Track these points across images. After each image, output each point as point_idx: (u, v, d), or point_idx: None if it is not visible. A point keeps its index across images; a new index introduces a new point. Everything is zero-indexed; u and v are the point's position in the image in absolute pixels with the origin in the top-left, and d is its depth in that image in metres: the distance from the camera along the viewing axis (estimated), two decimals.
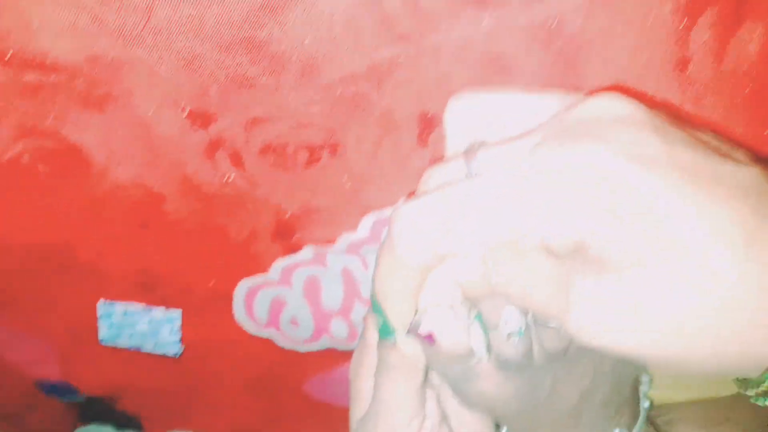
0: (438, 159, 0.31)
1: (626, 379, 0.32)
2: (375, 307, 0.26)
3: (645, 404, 0.33)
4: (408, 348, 0.27)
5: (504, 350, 0.25)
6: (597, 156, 0.18)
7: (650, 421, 0.34)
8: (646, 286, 0.18)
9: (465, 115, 0.23)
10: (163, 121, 0.29)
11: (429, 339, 0.26)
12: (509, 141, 0.21)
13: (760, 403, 0.19)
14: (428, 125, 0.29)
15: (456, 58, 0.26)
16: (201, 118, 0.29)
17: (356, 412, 0.30)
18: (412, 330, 0.25)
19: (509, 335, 0.25)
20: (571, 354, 0.27)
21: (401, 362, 0.27)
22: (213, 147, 0.31)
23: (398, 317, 0.24)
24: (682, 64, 0.26)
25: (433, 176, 0.22)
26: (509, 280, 0.21)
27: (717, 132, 0.28)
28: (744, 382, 0.19)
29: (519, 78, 0.27)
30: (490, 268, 0.21)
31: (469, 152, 0.21)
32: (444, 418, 0.30)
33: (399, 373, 0.27)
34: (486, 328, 0.26)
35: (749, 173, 0.18)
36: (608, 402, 0.31)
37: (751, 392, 0.19)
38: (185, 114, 0.29)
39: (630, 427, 0.32)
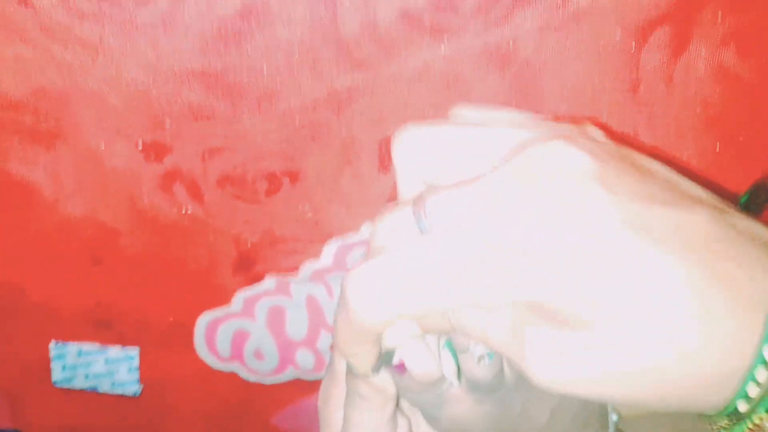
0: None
1: None
2: None
3: (613, 417, 0.34)
4: (378, 379, 0.26)
5: (475, 373, 0.25)
6: (546, 214, 0.19)
7: None
8: (601, 339, 0.18)
9: (412, 150, 0.23)
10: (116, 153, 0.29)
11: (400, 368, 0.26)
12: (458, 188, 0.21)
13: None
14: (389, 151, 0.29)
15: (415, 84, 0.26)
16: (155, 150, 0.28)
17: None
18: (383, 364, 0.25)
19: (480, 358, 0.25)
20: None
21: (371, 393, 0.27)
22: (169, 179, 0.30)
23: (363, 366, 0.24)
24: (634, 86, 0.26)
25: (382, 229, 0.22)
26: (467, 325, 0.22)
27: (668, 153, 0.29)
28: (705, 417, 0.20)
29: (477, 102, 0.27)
30: (448, 314, 0.22)
31: (417, 202, 0.22)
32: None
33: (369, 404, 0.27)
34: (456, 354, 0.25)
35: (699, 220, 0.19)
36: (577, 417, 0.31)
37: (711, 426, 0.20)
38: (139, 146, 0.28)
39: None
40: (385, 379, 0.27)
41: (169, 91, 0.25)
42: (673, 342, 0.18)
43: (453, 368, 0.25)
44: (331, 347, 0.32)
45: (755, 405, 0.18)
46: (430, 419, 0.29)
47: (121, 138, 0.27)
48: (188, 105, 0.25)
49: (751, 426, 0.18)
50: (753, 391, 0.18)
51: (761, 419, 0.18)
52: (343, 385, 0.29)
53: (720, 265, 0.18)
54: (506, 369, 0.27)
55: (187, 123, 0.26)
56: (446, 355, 0.25)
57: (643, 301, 0.18)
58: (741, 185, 0.23)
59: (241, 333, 0.38)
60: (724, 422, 0.19)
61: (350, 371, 0.27)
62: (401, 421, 0.30)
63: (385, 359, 0.25)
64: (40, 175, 0.29)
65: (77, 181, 0.30)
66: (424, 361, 0.25)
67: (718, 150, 0.28)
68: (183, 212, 0.31)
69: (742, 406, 0.18)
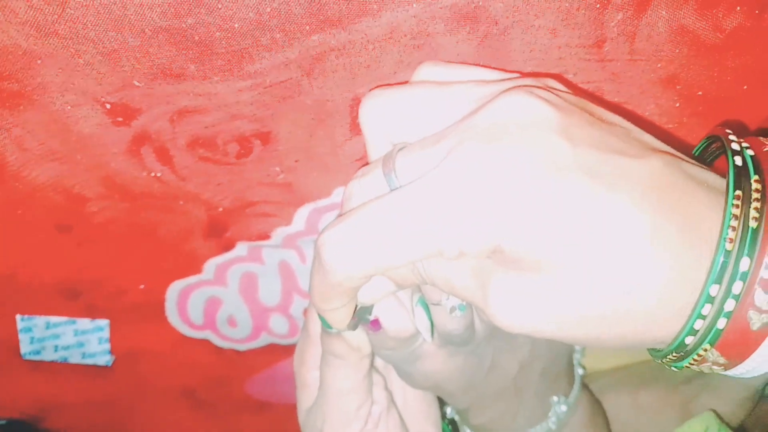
0: None
1: (561, 348, 0.33)
2: None
3: (579, 371, 0.35)
4: (353, 337, 0.27)
5: (447, 325, 0.26)
6: (508, 164, 0.19)
7: (584, 387, 0.36)
8: (560, 280, 0.19)
9: (379, 114, 0.24)
10: (82, 117, 0.28)
11: (375, 325, 0.26)
12: (424, 144, 0.22)
13: (673, 367, 0.21)
14: None
15: (385, 43, 0.26)
16: (124, 113, 0.28)
17: (304, 402, 0.30)
18: (359, 320, 0.25)
19: (452, 309, 0.25)
20: None
21: (346, 351, 0.27)
22: (138, 142, 0.29)
23: (339, 322, 0.25)
24: (599, 43, 0.27)
25: (355, 193, 0.23)
26: (434, 275, 0.22)
27: (631, 109, 0.30)
28: (655, 351, 0.21)
29: (448, 59, 0.28)
30: (416, 266, 0.22)
31: (386, 162, 0.22)
32: (391, 402, 0.30)
33: (345, 362, 0.28)
34: (429, 310, 0.26)
35: (653, 166, 0.20)
36: (546, 371, 0.32)
37: (662, 360, 0.21)
38: (106, 109, 0.28)
39: (567, 393, 0.34)
40: (360, 337, 0.27)
41: (137, 50, 0.24)
42: (626, 279, 0.19)
43: (426, 324, 0.26)
44: (306, 311, 0.32)
45: (701, 339, 0.19)
46: (404, 375, 0.30)
47: (87, 99, 0.27)
48: (157, 64, 0.25)
49: (696, 358, 0.20)
50: (698, 325, 0.19)
51: (705, 350, 0.19)
52: (318, 346, 0.29)
53: (670, 207, 0.19)
54: (477, 322, 0.28)
55: (155, 83, 0.26)
56: (419, 311, 0.26)
57: (598, 241, 0.19)
58: (699, 139, 0.24)
59: (214, 300, 0.38)
60: (672, 355, 0.20)
61: (325, 330, 0.27)
62: (376, 378, 0.30)
63: (360, 315, 0.25)
64: (4, 140, 0.29)
65: (42, 146, 0.29)
66: (399, 317, 0.26)
67: (678, 106, 0.29)
68: (152, 176, 0.31)
69: (689, 340, 0.19)
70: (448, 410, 0.38)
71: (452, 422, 0.35)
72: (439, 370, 0.28)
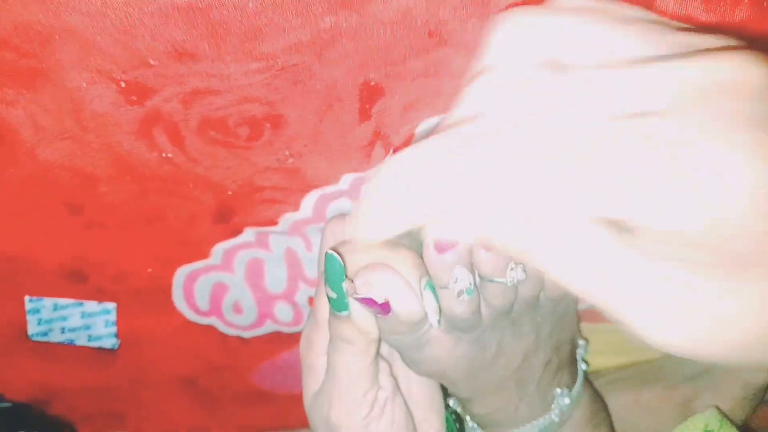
0: (379, 132, 0.31)
1: (565, 341, 0.33)
2: (331, 281, 0.26)
3: (583, 366, 0.35)
4: (362, 321, 0.27)
5: (455, 309, 0.26)
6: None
7: (588, 382, 0.36)
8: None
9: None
10: (97, 95, 0.28)
11: (385, 309, 0.26)
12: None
13: None
14: (371, 96, 0.30)
15: (397, 27, 0.26)
16: (138, 92, 0.28)
17: (310, 387, 0.30)
18: (369, 296, 0.25)
19: (459, 293, 0.25)
20: (516, 312, 0.28)
21: (355, 336, 0.27)
22: (150, 122, 0.30)
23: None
24: None
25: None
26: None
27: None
28: None
29: (458, 47, 0.28)
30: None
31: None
32: (396, 388, 0.30)
33: (353, 347, 0.28)
34: (436, 293, 0.26)
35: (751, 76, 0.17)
36: (549, 363, 0.32)
37: None
38: (121, 87, 0.28)
39: (570, 387, 0.34)
40: (368, 321, 0.27)
41: (153, 28, 0.25)
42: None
43: (434, 307, 0.26)
44: (313, 298, 0.32)
45: None
46: (410, 362, 0.30)
47: (103, 77, 0.27)
48: (172, 43, 0.25)
49: None
50: None
51: None
52: (325, 332, 0.30)
53: None
54: (483, 307, 0.28)
55: (170, 62, 0.26)
56: (428, 294, 0.26)
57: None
58: None
59: (220, 286, 0.38)
60: None
61: (334, 314, 0.27)
62: (382, 365, 0.30)
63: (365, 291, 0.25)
64: (20, 117, 0.29)
65: (57, 124, 0.30)
66: (408, 300, 0.26)
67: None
68: (163, 157, 0.31)
69: None
70: (451, 401, 0.38)
71: (455, 413, 0.35)
72: (445, 357, 0.28)
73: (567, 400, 0.33)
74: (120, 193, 0.33)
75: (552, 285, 0.28)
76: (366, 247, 0.28)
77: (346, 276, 0.26)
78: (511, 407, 0.31)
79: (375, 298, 0.26)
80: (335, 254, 0.27)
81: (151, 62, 0.27)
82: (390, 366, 0.31)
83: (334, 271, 0.26)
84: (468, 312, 0.26)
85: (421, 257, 0.28)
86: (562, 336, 0.33)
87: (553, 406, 0.33)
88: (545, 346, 0.31)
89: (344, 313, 0.27)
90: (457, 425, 0.34)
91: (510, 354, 0.30)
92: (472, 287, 0.26)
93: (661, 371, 0.41)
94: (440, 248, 0.25)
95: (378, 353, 0.30)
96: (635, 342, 0.34)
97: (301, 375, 0.31)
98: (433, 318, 0.26)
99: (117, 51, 0.26)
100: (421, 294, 0.26)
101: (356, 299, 0.26)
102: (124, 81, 0.28)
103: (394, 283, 0.26)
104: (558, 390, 0.33)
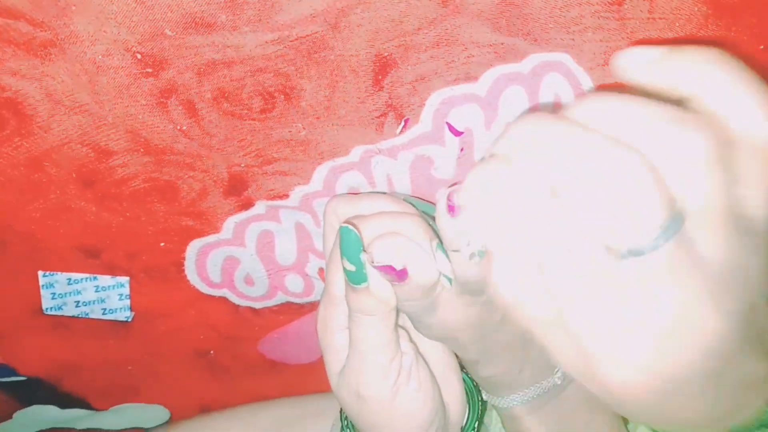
0: (391, 103, 0.31)
1: None
2: (348, 253, 0.26)
3: None
4: (381, 290, 0.27)
5: (467, 271, 0.26)
6: None
7: None
8: None
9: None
10: (113, 67, 0.28)
11: (402, 275, 0.26)
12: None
13: None
14: (383, 67, 0.29)
15: None
16: (153, 64, 0.28)
17: (333, 366, 0.30)
18: (386, 263, 0.25)
19: (471, 255, 0.26)
20: None
21: (375, 306, 0.28)
22: (165, 95, 0.29)
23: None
24: (619, 1, 0.27)
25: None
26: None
27: None
28: None
29: (471, 16, 0.28)
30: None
31: None
32: (417, 352, 0.31)
33: (373, 318, 0.28)
34: (448, 256, 0.26)
35: None
36: None
37: None
38: (137, 59, 0.28)
39: None
40: (386, 289, 0.28)
41: None
42: None
43: (448, 268, 0.26)
44: (324, 272, 0.32)
45: None
46: (423, 327, 0.30)
47: (119, 48, 0.27)
48: (189, 12, 0.25)
49: None
50: None
51: None
52: (341, 308, 0.30)
53: None
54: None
55: (186, 32, 0.26)
56: (440, 256, 0.26)
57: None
58: None
59: (232, 260, 0.38)
60: None
61: (352, 287, 0.27)
62: (401, 332, 0.31)
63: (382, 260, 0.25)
64: (35, 90, 0.29)
65: (72, 97, 0.29)
66: (424, 264, 0.26)
67: None
68: (178, 129, 0.31)
69: None
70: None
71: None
72: (456, 320, 0.29)
73: None
74: (134, 167, 0.33)
75: None
76: (373, 217, 0.28)
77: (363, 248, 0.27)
78: (517, 368, 0.32)
79: (394, 265, 0.26)
80: (350, 227, 0.27)
81: (168, 33, 0.26)
82: (408, 333, 0.31)
83: (350, 244, 0.26)
84: (479, 275, 0.27)
85: (427, 222, 0.28)
86: None
87: (556, 369, 0.33)
88: None
89: (363, 285, 0.27)
90: (474, 383, 0.35)
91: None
92: (484, 249, 0.26)
93: None
94: (453, 212, 0.25)
95: (397, 322, 0.30)
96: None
97: (323, 356, 0.31)
98: (445, 280, 0.27)
99: (133, 21, 0.26)
100: (434, 256, 0.26)
101: (375, 268, 0.26)
102: (140, 53, 0.27)
103: (409, 248, 0.26)
104: None
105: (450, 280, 0.27)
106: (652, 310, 0.17)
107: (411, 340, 0.31)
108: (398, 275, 0.26)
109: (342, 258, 0.27)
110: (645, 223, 0.17)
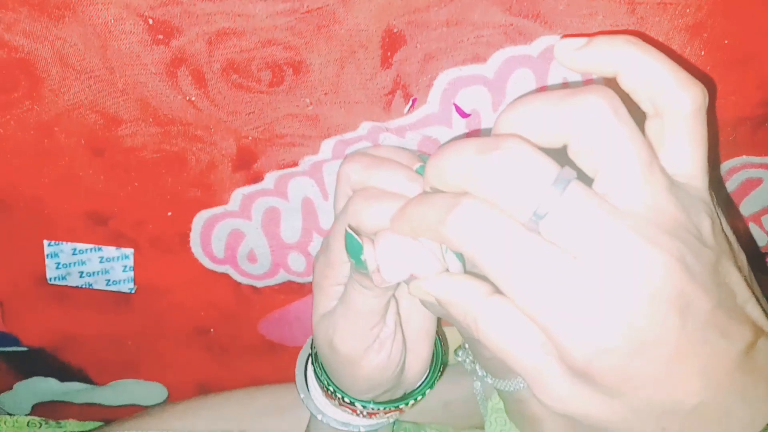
0: (399, 81, 0.31)
1: None
2: (352, 255, 0.26)
3: None
4: (382, 280, 0.27)
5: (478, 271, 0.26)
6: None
7: None
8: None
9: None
10: (124, 32, 0.28)
11: (410, 279, 0.26)
12: None
13: None
14: (392, 44, 0.29)
15: None
16: (164, 30, 0.28)
17: (320, 307, 0.31)
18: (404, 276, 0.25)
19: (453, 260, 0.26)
20: None
21: (374, 286, 0.28)
22: (176, 63, 0.29)
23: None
24: None
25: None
26: None
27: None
28: None
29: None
30: None
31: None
32: (398, 326, 0.31)
33: (373, 292, 0.28)
34: (460, 255, 0.26)
35: (740, 348, 0.21)
36: None
37: None
38: (149, 25, 0.28)
39: None
40: (388, 278, 0.27)
41: None
42: None
43: (459, 267, 0.26)
44: (327, 238, 0.32)
45: None
46: (431, 307, 0.30)
47: (131, 13, 0.27)
48: None
49: None
50: None
51: None
52: (339, 269, 0.29)
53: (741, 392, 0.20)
54: None
55: (197, 0, 0.26)
56: (451, 257, 0.26)
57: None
58: (722, 90, 0.24)
59: (237, 233, 0.38)
60: None
61: (357, 270, 0.27)
62: (392, 303, 0.30)
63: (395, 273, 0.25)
64: (47, 52, 0.29)
65: (83, 62, 0.29)
66: (434, 268, 0.26)
67: (702, 54, 0.29)
68: (187, 100, 0.31)
69: None
70: (461, 353, 0.39)
71: (444, 342, 0.36)
72: None
73: None
74: (142, 136, 0.33)
75: None
76: (383, 195, 0.28)
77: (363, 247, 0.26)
78: None
79: (400, 279, 0.26)
80: (353, 233, 0.27)
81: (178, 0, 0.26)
82: (398, 304, 0.31)
83: (353, 248, 0.26)
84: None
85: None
86: None
87: None
88: None
89: (364, 271, 0.27)
90: (443, 344, 0.35)
91: None
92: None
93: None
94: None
95: (392, 295, 0.30)
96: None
97: (313, 292, 0.32)
98: (458, 269, 0.26)
99: None
100: (444, 257, 0.26)
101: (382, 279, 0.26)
102: (152, 18, 0.27)
103: (417, 255, 0.25)
104: None
105: (464, 265, 0.27)
106: (579, 268, 0.19)
107: (397, 312, 0.31)
108: (407, 280, 0.26)
109: (347, 255, 0.27)
110: (532, 186, 0.19)
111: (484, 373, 0.34)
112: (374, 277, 0.26)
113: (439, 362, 0.35)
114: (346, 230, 0.27)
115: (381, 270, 0.26)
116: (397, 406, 0.33)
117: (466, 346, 0.40)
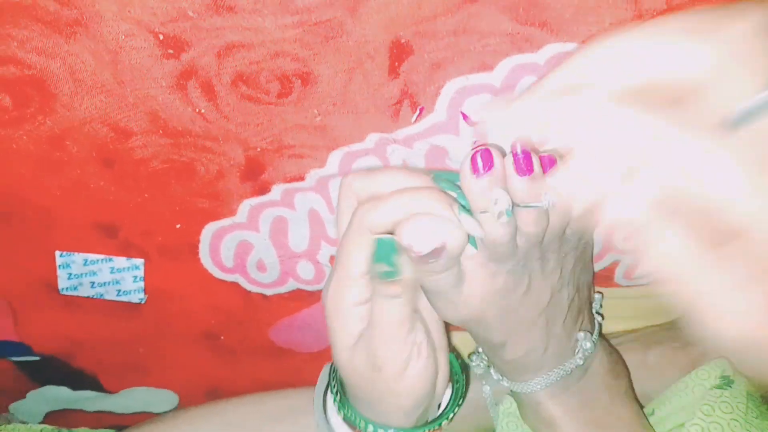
0: (407, 91, 0.31)
1: (584, 284, 0.34)
2: (385, 259, 0.27)
3: (599, 319, 0.36)
4: (411, 277, 0.28)
5: (495, 233, 0.27)
6: None
7: (603, 336, 0.37)
8: None
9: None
10: (135, 48, 0.28)
11: (437, 253, 0.27)
12: None
13: None
14: (400, 54, 0.30)
15: None
16: (174, 45, 0.28)
17: (345, 341, 0.30)
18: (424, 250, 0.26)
19: (500, 214, 0.26)
20: (545, 245, 0.29)
21: (403, 291, 0.28)
22: (185, 76, 0.30)
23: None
24: None
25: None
26: None
27: None
28: None
29: (487, 4, 0.28)
30: None
31: None
32: (428, 329, 0.31)
33: (400, 300, 0.28)
34: (474, 216, 0.27)
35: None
36: (572, 302, 0.33)
37: None
38: (159, 40, 0.28)
39: (591, 331, 0.34)
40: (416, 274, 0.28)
41: None
42: None
43: (475, 224, 0.26)
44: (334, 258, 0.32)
45: None
46: (448, 307, 0.30)
47: (141, 29, 0.27)
48: None
49: None
50: None
51: None
52: (357, 284, 0.29)
53: None
54: (518, 238, 0.28)
55: (208, 14, 0.26)
56: (465, 218, 0.26)
57: None
58: None
59: (245, 244, 0.38)
60: None
61: (382, 281, 0.27)
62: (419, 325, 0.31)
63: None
64: (59, 68, 0.29)
65: (94, 76, 0.30)
66: (456, 233, 0.26)
67: None
68: (196, 112, 0.31)
69: None
70: (474, 358, 0.39)
71: (458, 354, 0.36)
72: (482, 293, 0.29)
73: (589, 344, 0.34)
74: (152, 148, 0.33)
75: (578, 217, 0.29)
76: (390, 199, 0.28)
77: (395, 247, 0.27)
78: (542, 347, 0.32)
79: (431, 248, 0.26)
80: (385, 237, 0.27)
81: (190, 14, 0.27)
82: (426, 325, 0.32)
83: (386, 250, 0.27)
84: (507, 235, 0.27)
85: (441, 190, 0.29)
86: (581, 278, 0.34)
87: (577, 349, 0.33)
88: (568, 283, 0.32)
89: (395, 278, 0.27)
90: (462, 366, 0.35)
91: (539, 290, 0.31)
92: (511, 208, 0.26)
93: (668, 333, 0.41)
94: (477, 172, 0.26)
95: (419, 299, 0.30)
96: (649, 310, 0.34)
97: (330, 330, 0.31)
98: (477, 232, 0.27)
99: (156, 2, 0.26)
100: (460, 220, 0.27)
101: (413, 257, 0.26)
102: (163, 33, 0.28)
103: (438, 225, 0.26)
104: (581, 334, 0.34)
105: (475, 245, 0.27)
106: None
107: (422, 317, 0.31)
108: (432, 253, 0.26)
109: (375, 263, 0.27)
110: None
111: (500, 377, 0.35)
112: (410, 252, 0.26)
113: (461, 380, 0.34)
114: (378, 239, 0.27)
115: (414, 246, 0.26)
116: (439, 424, 0.32)
117: (480, 350, 0.40)
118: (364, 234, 0.28)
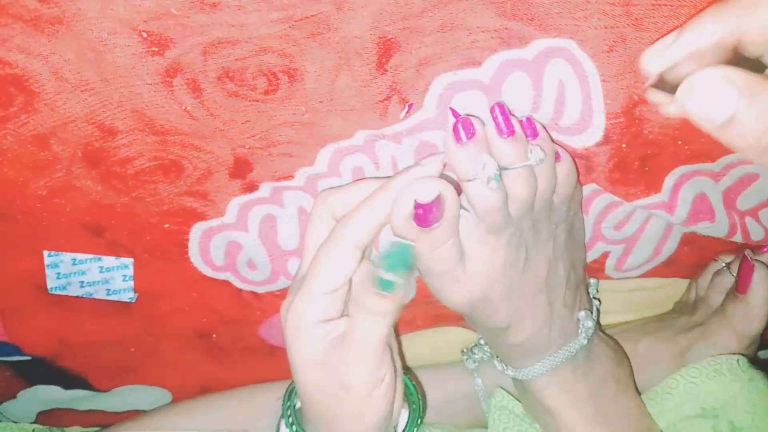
0: (395, 87, 0.31)
1: (578, 261, 0.35)
2: (401, 266, 0.26)
3: (596, 303, 0.36)
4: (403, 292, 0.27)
5: (486, 198, 0.27)
6: None
7: (599, 326, 0.37)
8: None
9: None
10: (118, 46, 0.28)
11: (438, 207, 0.26)
12: None
13: None
14: (387, 50, 0.29)
15: None
16: (159, 43, 0.28)
17: (309, 356, 0.29)
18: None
19: (489, 179, 0.26)
20: (536, 213, 0.29)
21: (393, 310, 0.28)
22: (170, 74, 0.29)
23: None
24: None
25: None
26: None
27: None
28: None
29: (475, 0, 0.28)
30: None
31: None
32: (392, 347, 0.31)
33: (386, 319, 0.28)
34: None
35: None
36: (569, 278, 0.33)
37: None
38: (143, 38, 0.28)
39: (590, 309, 0.35)
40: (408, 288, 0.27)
41: None
42: None
43: (488, 160, 0.27)
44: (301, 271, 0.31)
45: None
46: (454, 286, 0.30)
47: (124, 27, 0.27)
48: None
49: None
50: None
51: None
52: (327, 299, 0.29)
53: None
54: (510, 205, 0.28)
55: (192, 11, 0.26)
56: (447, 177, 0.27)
57: None
58: None
59: (235, 244, 0.38)
60: None
61: (380, 293, 0.27)
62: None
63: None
64: (42, 67, 0.29)
65: (78, 75, 0.29)
66: (449, 187, 0.27)
67: None
68: (183, 110, 0.31)
69: None
70: (476, 350, 0.39)
71: (413, 380, 0.36)
72: (485, 268, 0.29)
73: (591, 323, 0.34)
74: (138, 146, 0.33)
75: (563, 181, 0.30)
76: (368, 199, 0.29)
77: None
78: (546, 327, 0.32)
79: (433, 196, 0.26)
80: (408, 243, 0.27)
81: (174, 11, 0.26)
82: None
83: (400, 258, 0.26)
84: (499, 201, 0.27)
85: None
86: (574, 254, 0.34)
87: (579, 328, 0.34)
88: (562, 257, 0.32)
89: (391, 290, 0.27)
90: (416, 387, 0.34)
91: (536, 262, 0.31)
92: (499, 172, 0.26)
93: (658, 325, 0.41)
94: (460, 140, 0.26)
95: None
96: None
97: (290, 345, 0.30)
98: (493, 169, 0.27)
99: (139, 0, 0.26)
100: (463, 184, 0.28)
101: (418, 211, 0.26)
102: (146, 31, 0.27)
103: (432, 181, 0.27)
104: (582, 313, 0.34)
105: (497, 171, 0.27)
106: None
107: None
108: (436, 206, 0.26)
109: (388, 272, 0.27)
110: None
111: (504, 366, 0.35)
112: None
113: (417, 402, 0.33)
114: (400, 243, 0.27)
115: (419, 197, 0.26)
116: None
117: (482, 342, 0.40)
118: (344, 248, 0.28)
